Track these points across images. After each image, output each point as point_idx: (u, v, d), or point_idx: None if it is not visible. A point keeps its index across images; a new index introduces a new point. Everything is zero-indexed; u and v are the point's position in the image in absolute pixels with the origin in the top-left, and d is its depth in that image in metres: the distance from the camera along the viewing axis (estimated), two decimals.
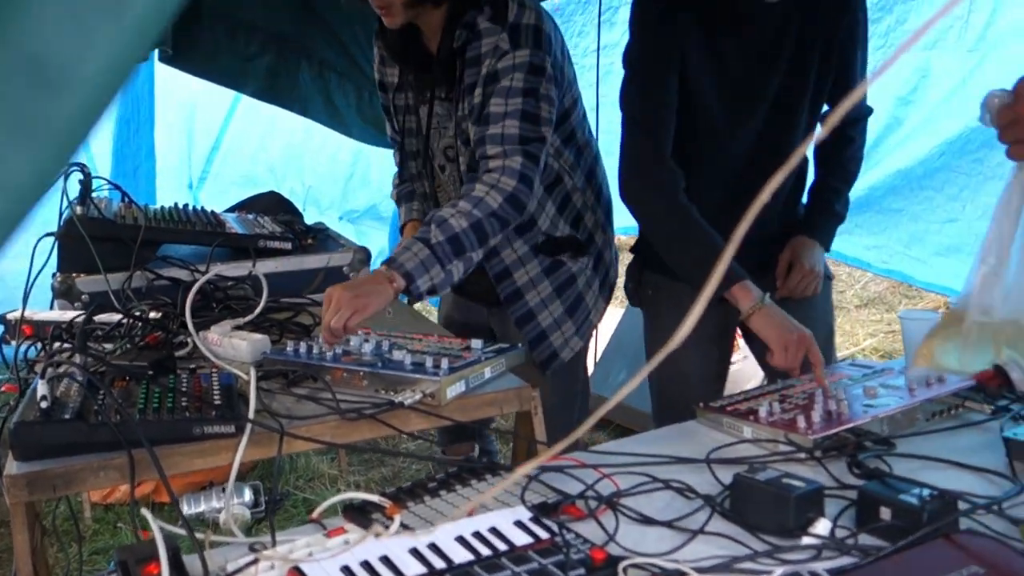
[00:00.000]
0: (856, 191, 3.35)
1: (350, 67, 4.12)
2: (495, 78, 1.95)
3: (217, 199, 3.86)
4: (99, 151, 4.61)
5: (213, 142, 5.14)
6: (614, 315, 3.86)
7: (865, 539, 1.17)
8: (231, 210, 2.93)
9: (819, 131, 2.10)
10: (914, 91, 3.03)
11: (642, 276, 2.23)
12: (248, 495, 3.12)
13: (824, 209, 2.13)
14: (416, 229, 2.00)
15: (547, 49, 1.97)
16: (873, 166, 3.24)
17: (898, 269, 3.41)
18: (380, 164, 4.85)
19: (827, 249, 2.16)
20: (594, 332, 2.43)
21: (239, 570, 1.06)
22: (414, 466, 3.44)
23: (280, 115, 4.51)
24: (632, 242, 2.33)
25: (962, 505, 1.19)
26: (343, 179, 5.29)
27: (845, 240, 3.55)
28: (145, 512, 1.17)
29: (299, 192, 5.08)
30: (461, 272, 1.86)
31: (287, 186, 4.99)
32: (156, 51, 4.24)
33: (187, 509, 3.04)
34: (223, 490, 3.08)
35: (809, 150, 2.18)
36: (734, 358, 2.54)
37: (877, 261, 3.46)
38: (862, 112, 2.17)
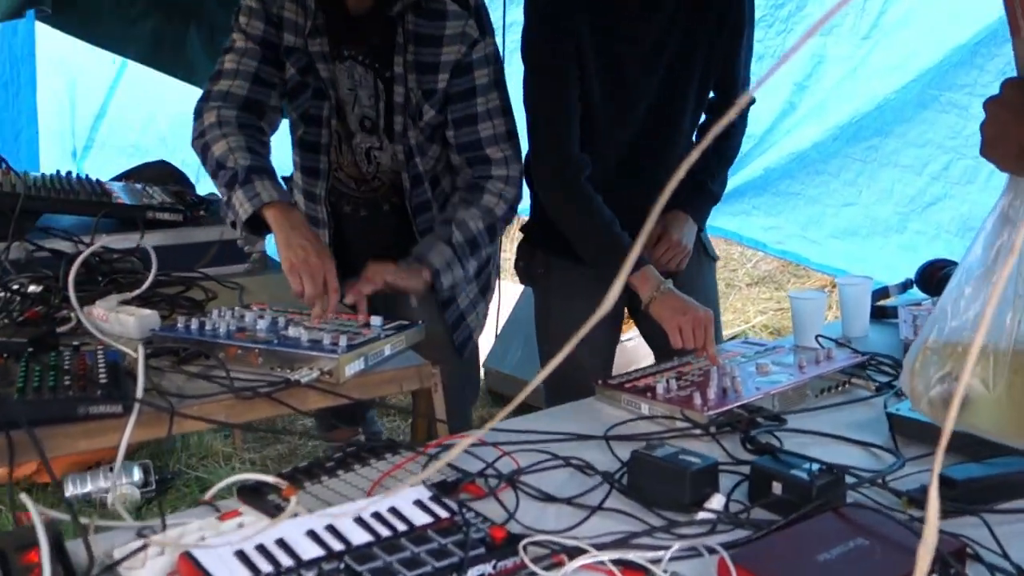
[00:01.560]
0: (752, 173, 3.45)
1: None
2: (468, 70, 1.94)
3: (103, 169, 3.68)
4: None
5: (98, 109, 4.89)
6: (513, 291, 3.87)
7: (758, 513, 1.20)
8: (118, 179, 2.81)
9: (702, 142, 2.13)
10: (809, 77, 3.11)
11: (534, 255, 2.24)
12: (137, 474, 3.01)
13: (700, 188, 2.16)
14: (283, 212, 1.79)
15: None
16: (768, 149, 3.32)
17: (792, 250, 3.51)
18: (277, 135, 4.71)
19: (701, 227, 2.19)
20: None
21: (126, 557, 1.01)
22: (311, 443, 3.38)
23: (169, 82, 4.32)
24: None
25: (849, 479, 1.24)
26: None
27: (742, 221, 3.63)
28: (24, 497, 1.11)
29: (192, 163, 4.89)
30: (474, 269, 2.04)
31: (179, 157, 4.77)
32: (33, 9, 4.03)
33: (72, 490, 2.91)
34: (111, 469, 2.97)
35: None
36: (628, 335, 2.57)
37: (772, 242, 3.55)
38: (743, 83, 2.21)
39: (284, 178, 2.28)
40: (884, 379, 1.69)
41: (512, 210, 2.03)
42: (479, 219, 1.95)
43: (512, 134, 2.02)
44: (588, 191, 1.92)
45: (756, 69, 2.25)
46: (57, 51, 4.50)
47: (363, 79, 1.98)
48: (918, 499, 1.18)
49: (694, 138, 2.20)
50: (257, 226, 1.79)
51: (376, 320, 1.69)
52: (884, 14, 2.89)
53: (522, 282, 2.36)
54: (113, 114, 4.88)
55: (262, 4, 1.96)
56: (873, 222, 3.17)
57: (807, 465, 1.21)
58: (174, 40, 4.03)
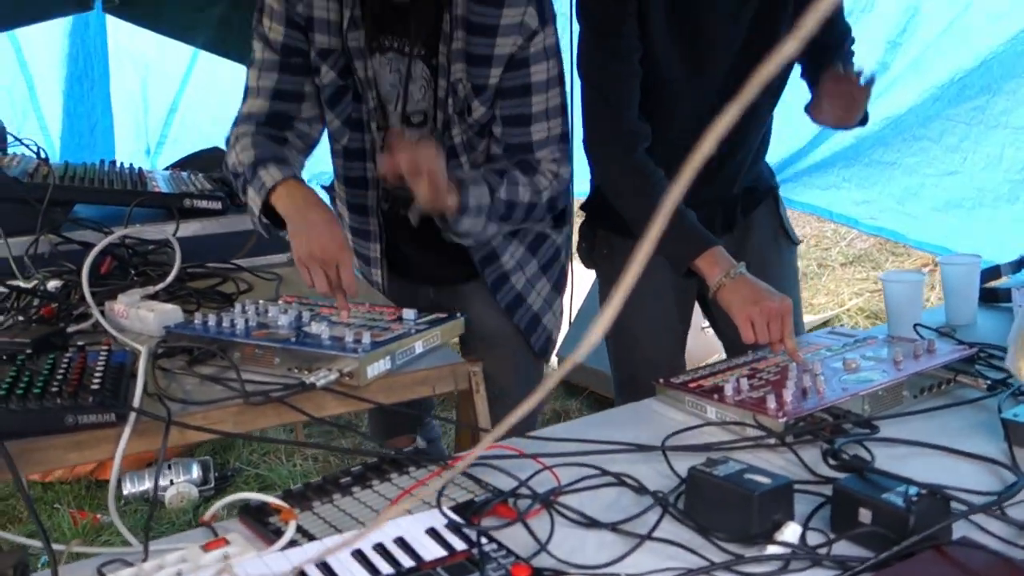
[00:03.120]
0: (842, 142, 3.15)
1: None
2: (524, 64, 1.71)
3: None
4: (49, 110, 4.37)
5: (170, 104, 4.88)
6: (588, 277, 3.67)
7: (841, 547, 0.99)
8: (171, 168, 2.72)
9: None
10: (903, 32, 2.80)
11: (596, 235, 2.05)
12: (196, 472, 2.94)
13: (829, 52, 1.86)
14: (288, 192, 1.60)
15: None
16: None
17: (888, 226, 3.20)
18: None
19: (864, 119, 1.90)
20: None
21: None
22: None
23: (241, 74, 4.25)
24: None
25: (955, 505, 1.01)
26: None
27: (832, 195, 3.35)
28: None
29: None
30: (491, 235, 1.76)
31: None
32: (101, 1, 4.01)
33: (129, 488, 2.85)
34: (168, 467, 2.90)
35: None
36: (702, 324, 2.35)
37: (865, 217, 3.25)
38: (840, 38, 1.95)
39: (324, 187, 2.11)
40: (998, 376, 1.45)
41: (551, 210, 1.81)
42: (527, 189, 1.73)
43: (565, 136, 1.80)
44: (646, 164, 1.71)
45: None
46: (129, 46, 4.49)
47: (409, 71, 1.76)
48: None
49: (807, 90, 1.95)
50: (278, 217, 1.61)
51: (409, 313, 1.53)
52: None
53: (585, 265, 2.17)
54: (185, 108, 4.85)
55: (284, 4, 1.75)
56: (980, 192, 2.83)
57: (903, 488, 0.99)
58: (242, 26, 3.96)
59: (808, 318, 4.23)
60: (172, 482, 2.88)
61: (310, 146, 1.85)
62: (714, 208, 1.92)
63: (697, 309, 2.17)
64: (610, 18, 1.71)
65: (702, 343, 3.23)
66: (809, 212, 3.55)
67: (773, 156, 2.15)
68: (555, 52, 1.75)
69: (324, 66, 1.79)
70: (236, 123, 1.81)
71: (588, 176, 2.03)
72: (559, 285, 2.04)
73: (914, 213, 3.05)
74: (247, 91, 1.82)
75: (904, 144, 2.96)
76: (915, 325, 1.63)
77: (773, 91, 1.87)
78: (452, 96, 1.72)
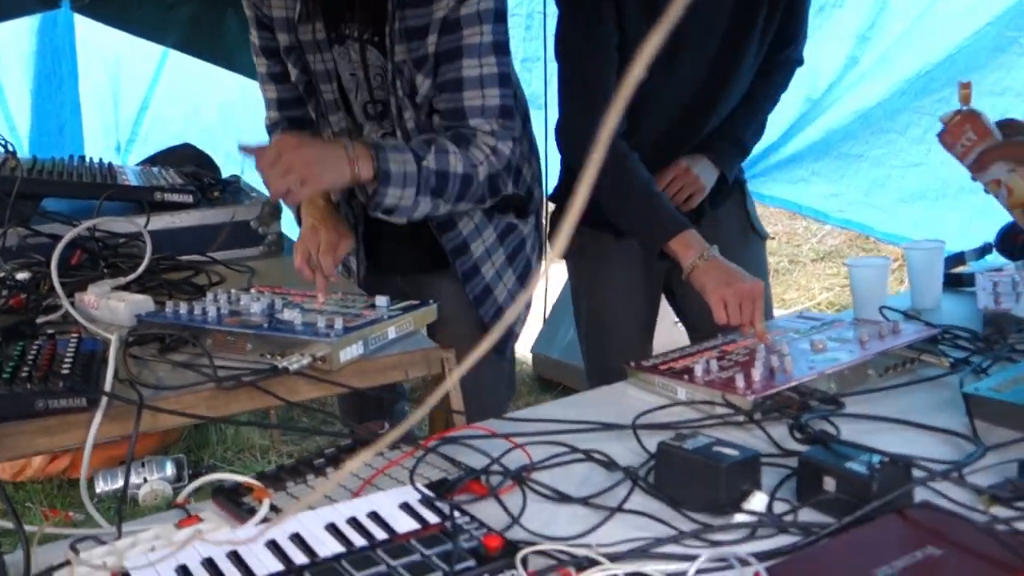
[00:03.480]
0: (811, 136, 3.19)
1: None
2: (456, 26, 1.64)
3: None
4: (17, 108, 4.33)
5: (141, 102, 4.85)
6: (562, 273, 3.69)
7: (807, 515, 1.01)
8: (143, 164, 2.71)
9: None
10: (872, 27, 2.85)
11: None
12: (170, 469, 2.93)
13: (722, 133, 1.96)
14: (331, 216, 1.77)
15: None
16: (828, 108, 3.07)
17: (856, 219, 3.24)
18: None
19: (725, 173, 1.97)
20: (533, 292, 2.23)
21: (48, 571, 0.87)
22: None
23: (214, 71, 4.25)
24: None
25: (917, 473, 1.04)
26: None
27: (801, 189, 3.39)
28: None
29: (237, 154, 4.82)
30: (423, 213, 1.64)
31: (224, 149, 4.70)
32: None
33: (102, 486, 2.84)
34: (142, 465, 2.88)
35: None
36: (673, 319, 2.38)
37: (834, 211, 3.29)
38: (791, 56, 1.99)
39: None
40: (961, 355, 1.48)
41: (491, 190, 1.70)
42: (459, 159, 1.62)
43: (507, 111, 1.69)
44: (622, 147, 1.73)
45: None
46: (98, 44, 4.46)
47: (364, 59, 1.76)
48: (1003, 496, 0.98)
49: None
50: None
51: (382, 300, 1.53)
52: None
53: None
54: (156, 106, 4.82)
55: (254, 9, 1.78)
56: (944, 183, 2.87)
57: (866, 456, 1.01)
58: (211, 26, 3.98)
59: (779, 312, 4.27)
60: (146, 479, 2.87)
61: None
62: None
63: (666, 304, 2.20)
64: (589, 2, 1.73)
65: (674, 340, 3.25)
66: (779, 206, 3.58)
67: None
68: (492, 19, 1.67)
69: (289, 63, 1.81)
70: (268, 133, 1.93)
71: (558, 169, 2.05)
72: (523, 277, 2.00)
73: (881, 205, 3.10)
74: (264, 103, 1.92)
75: (872, 136, 3.00)
76: (881, 308, 1.66)
77: (741, 76, 1.90)
78: (399, 78, 1.70)
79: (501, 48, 1.69)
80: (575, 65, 1.78)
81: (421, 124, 1.73)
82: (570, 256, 2.11)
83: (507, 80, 1.70)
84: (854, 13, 2.86)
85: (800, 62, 2.03)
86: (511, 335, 2.03)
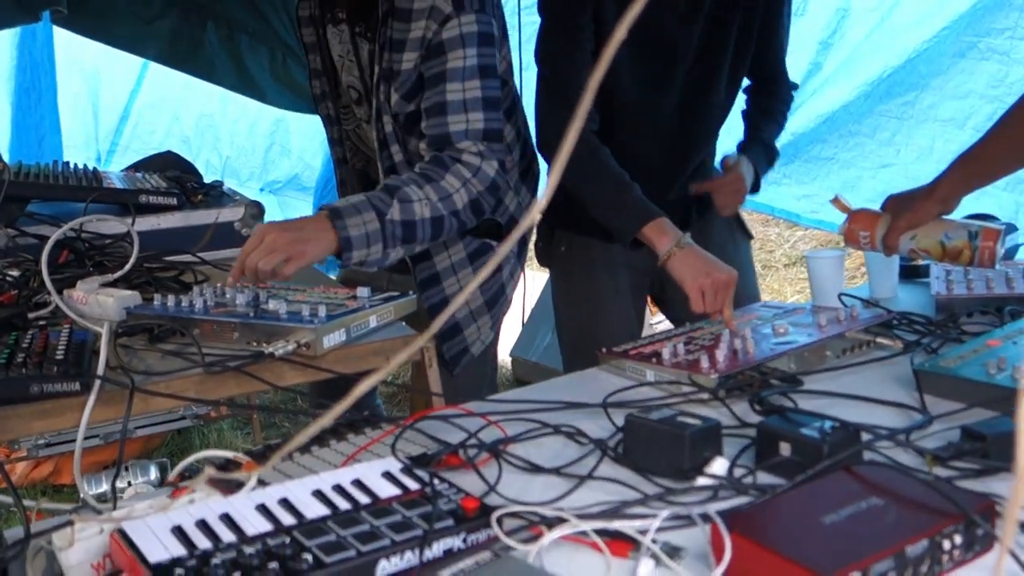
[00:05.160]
0: (781, 140, 3.28)
1: (262, 27, 3.90)
2: (440, 51, 1.70)
3: None
4: None
5: (121, 112, 4.89)
6: (541, 278, 3.76)
7: (764, 478, 1.08)
8: (125, 170, 2.76)
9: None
10: (834, 33, 2.95)
11: (553, 234, 2.13)
12: (154, 472, 2.96)
13: (754, 136, 2.10)
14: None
15: (490, 9, 1.75)
16: (794, 112, 3.16)
17: (828, 219, 3.33)
18: (301, 132, 4.66)
19: (758, 176, 2.06)
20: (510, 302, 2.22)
21: (46, 531, 0.93)
22: None
23: (193, 83, 4.29)
24: None
25: (866, 437, 1.11)
26: (262, 149, 5.08)
27: (774, 191, 3.47)
28: None
29: (217, 165, 4.87)
30: (399, 257, 1.70)
31: (203, 158, 4.75)
32: (49, 11, 4.01)
33: (88, 490, 2.86)
34: (126, 468, 2.91)
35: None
36: (659, 318, 2.45)
37: (807, 212, 3.38)
38: (782, 85, 2.13)
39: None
40: (914, 337, 1.55)
41: (474, 211, 1.73)
42: (428, 206, 1.66)
43: (492, 134, 1.73)
44: (594, 141, 1.80)
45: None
46: (77, 56, 4.49)
47: (355, 43, 1.87)
48: (944, 457, 1.05)
49: (743, 127, 2.12)
50: None
51: (363, 291, 1.59)
52: None
53: (541, 263, 2.24)
54: (136, 117, 4.86)
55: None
56: (914, 183, 2.95)
57: (819, 423, 1.09)
58: (192, 39, 4.01)
59: None
60: (130, 483, 2.89)
61: None
62: (669, 209, 2.01)
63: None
64: (569, 8, 1.80)
65: None
66: (752, 209, 3.67)
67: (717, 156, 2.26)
68: (476, 43, 1.70)
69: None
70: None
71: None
72: (493, 301, 2.00)
73: (852, 205, 3.18)
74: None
75: (840, 140, 3.10)
76: (840, 295, 1.74)
77: (726, 98, 2.00)
78: (382, 82, 1.79)
79: (487, 71, 1.72)
80: (554, 69, 1.85)
81: (395, 132, 1.81)
82: (556, 260, 2.17)
83: (492, 104, 1.74)
84: (815, 21, 2.96)
85: (794, 86, 2.18)
86: (464, 353, 1.99)
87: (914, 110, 2.94)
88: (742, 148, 2.07)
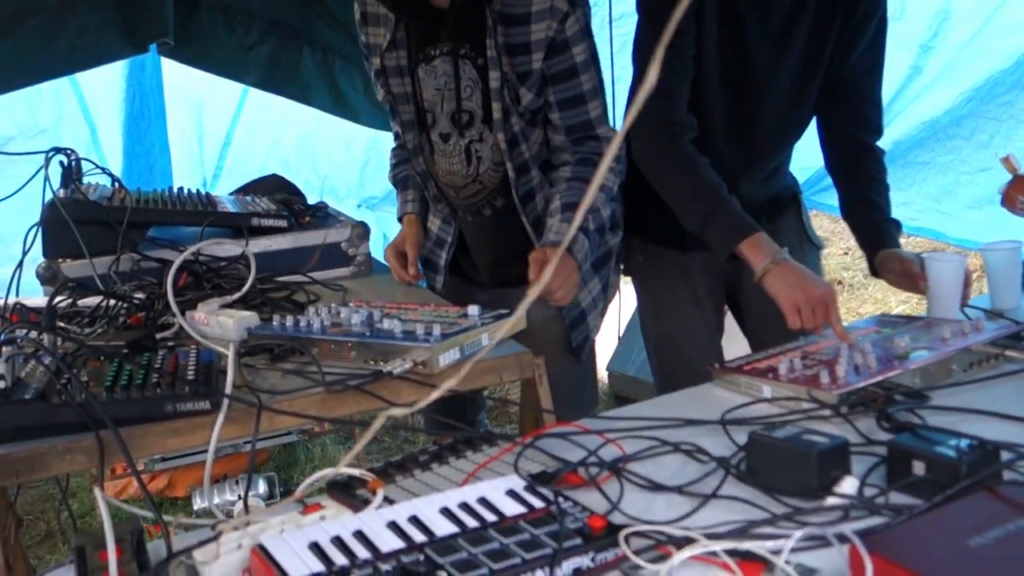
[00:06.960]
0: (881, 146, 3.20)
1: (355, 51, 4.00)
2: (565, 46, 1.83)
3: None
4: (109, 149, 4.54)
5: (224, 137, 5.07)
6: (632, 292, 3.74)
7: (897, 497, 1.05)
8: (234, 193, 2.85)
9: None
10: (935, 36, 2.86)
11: (631, 244, 2.12)
12: (263, 487, 3.04)
13: (881, 221, 1.99)
14: (415, 224, 2.12)
15: None
16: (895, 118, 3.07)
17: (927, 226, 3.23)
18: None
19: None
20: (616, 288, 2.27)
21: (194, 547, 0.96)
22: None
23: (291, 106, 4.42)
24: None
25: (1005, 455, 1.07)
26: (359, 167, 5.19)
27: None
28: (97, 492, 1.08)
29: (315, 183, 4.99)
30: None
31: (303, 177, 4.87)
32: (156, 43, 4.18)
33: (199, 503, 2.96)
34: (236, 482, 3.00)
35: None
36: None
37: (905, 219, 3.27)
38: (874, 131, 1.99)
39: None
40: None
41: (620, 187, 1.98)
42: (606, 204, 1.91)
43: (606, 115, 1.95)
44: (693, 152, 1.78)
45: None
46: (182, 84, 4.66)
47: (457, 72, 1.90)
48: None
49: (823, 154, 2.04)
50: None
51: (473, 309, 1.61)
52: None
53: (624, 273, 2.25)
54: (238, 141, 5.03)
55: (365, 38, 2.02)
56: None
57: (954, 441, 1.05)
58: (289, 64, 4.14)
59: None
60: (239, 496, 2.98)
61: None
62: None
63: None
64: (669, 12, 1.79)
65: (739, 352, 3.28)
66: None
67: (813, 164, 2.21)
68: (588, 35, 1.87)
69: (378, 84, 2.00)
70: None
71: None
72: (606, 287, 2.10)
73: (951, 211, 3.09)
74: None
75: (938, 144, 3.01)
76: (962, 307, 1.68)
77: (806, 114, 1.95)
78: (506, 86, 1.84)
79: (596, 59, 1.90)
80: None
81: (523, 128, 1.89)
82: (635, 270, 2.16)
83: (603, 88, 1.94)
84: (915, 24, 2.88)
85: (879, 132, 2.01)
86: (587, 339, 2.08)
87: (1014, 110, 2.83)
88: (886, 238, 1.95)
